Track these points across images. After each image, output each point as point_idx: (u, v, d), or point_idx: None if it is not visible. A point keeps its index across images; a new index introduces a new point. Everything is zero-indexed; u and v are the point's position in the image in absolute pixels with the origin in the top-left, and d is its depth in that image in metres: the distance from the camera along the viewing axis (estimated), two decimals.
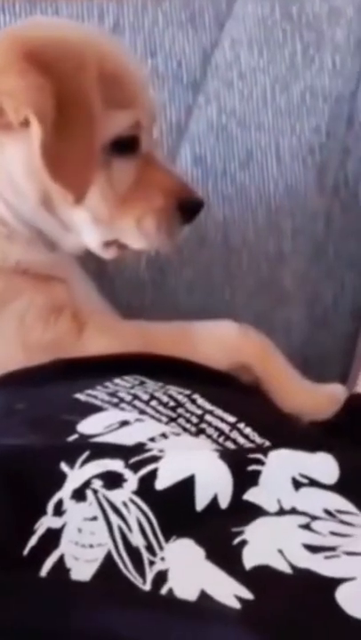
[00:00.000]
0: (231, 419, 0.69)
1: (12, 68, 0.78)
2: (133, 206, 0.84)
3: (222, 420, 0.69)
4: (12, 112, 0.78)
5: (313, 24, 1.11)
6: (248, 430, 0.68)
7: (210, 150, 1.07)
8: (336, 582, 0.51)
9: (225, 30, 1.10)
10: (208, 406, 0.70)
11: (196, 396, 0.71)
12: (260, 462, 0.59)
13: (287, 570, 0.52)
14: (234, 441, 0.67)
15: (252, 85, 1.09)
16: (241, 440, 0.67)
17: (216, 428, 0.68)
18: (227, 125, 1.07)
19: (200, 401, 0.71)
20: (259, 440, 0.68)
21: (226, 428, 0.68)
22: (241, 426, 0.68)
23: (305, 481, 0.59)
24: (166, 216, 0.85)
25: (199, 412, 0.70)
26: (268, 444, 0.67)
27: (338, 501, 0.58)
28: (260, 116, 1.08)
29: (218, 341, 0.86)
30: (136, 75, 0.85)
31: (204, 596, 0.51)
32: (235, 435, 0.68)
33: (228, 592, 0.51)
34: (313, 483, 0.59)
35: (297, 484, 0.59)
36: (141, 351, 0.82)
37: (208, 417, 0.69)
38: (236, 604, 0.50)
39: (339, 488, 0.59)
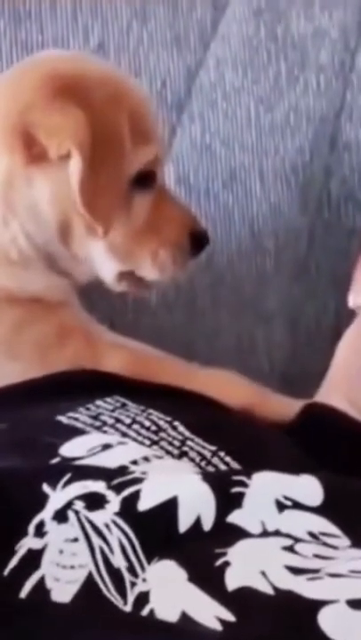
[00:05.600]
0: (212, 447, 0.69)
1: (48, 102, 0.80)
2: (149, 239, 0.86)
3: (203, 447, 0.69)
4: (54, 146, 0.80)
5: (298, 45, 1.12)
6: (228, 459, 0.68)
7: (193, 170, 1.07)
8: (319, 604, 0.51)
9: (210, 50, 1.10)
10: (188, 434, 0.70)
11: (176, 423, 0.71)
12: (244, 484, 0.59)
13: (270, 591, 0.52)
14: (215, 467, 0.67)
15: (237, 105, 1.09)
16: (222, 467, 0.67)
17: (198, 453, 0.68)
18: (210, 145, 1.07)
19: (181, 428, 0.71)
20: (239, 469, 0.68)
21: (208, 453, 0.68)
22: (222, 454, 0.68)
23: (289, 503, 0.59)
24: (180, 248, 0.87)
25: (181, 437, 0.70)
26: None
27: (322, 524, 0.58)
28: (244, 135, 1.08)
29: (222, 384, 0.86)
30: (152, 109, 0.88)
31: (185, 617, 0.50)
32: (216, 461, 0.68)
33: (210, 614, 0.51)
34: (297, 505, 0.59)
35: (281, 507, 0.59)
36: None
37: (189, 442, 0.69)
38: (218, 626, 0.50)
39: (323, 510, 0.59)
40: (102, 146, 0.80)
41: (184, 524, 0.56)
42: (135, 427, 0.70)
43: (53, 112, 0.79)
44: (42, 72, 0.83)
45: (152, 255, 0.86)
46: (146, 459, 0.64)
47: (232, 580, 0.52)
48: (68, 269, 0.88)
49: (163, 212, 0.87)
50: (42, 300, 0.86)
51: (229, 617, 0.50)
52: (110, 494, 0.57)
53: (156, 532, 0.55)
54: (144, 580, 0.53)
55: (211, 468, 0.67)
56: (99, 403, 0.74)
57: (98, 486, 0.58)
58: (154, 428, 0.70)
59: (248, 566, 0.53)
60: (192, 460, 0.67)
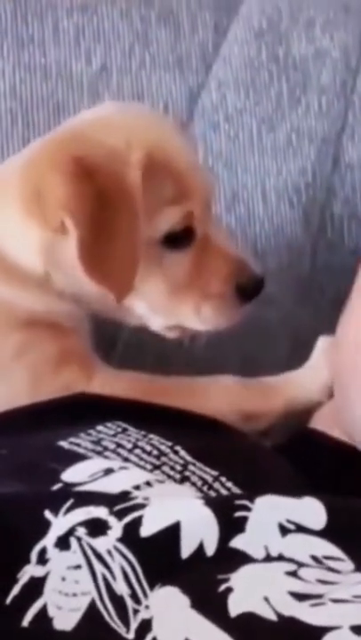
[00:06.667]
0: (214, 472, 0.69)
1: (56, 175, 0.80)
2: (190, 294, 0.86)
3: (205, 472, 0.69)
4: (52, 217, 0.81)
5: (299, 66, 1.12)
6: (230, 484, 0.68)
7: None
8: (322, 631, 0.51)
9: (212, 72, 1.11)
10: (190, 459, 0.70)
11: (178, 448, 0.71)
12: (247, 508, 0.59)
13: (272, 617, 0.52)
14: (217, 492, 0.67)
15: (239, 127, 1.09)
16: (224, 492, 0.67)
17: (200, 477, 0.68)
18: (213, 167, 1.08)
19: (182, 453, 0.70)
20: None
21: (209, 478, 0.68)
22: (223, 479, 0.68)
23: (292, 527, 0.58)
24: (224, 301, 0.86)
25: (182, 461, 0.70)
26: None
27: (325, 547, 0.57)
28: (247, 157, 1.09)
29: (222, 393, 0.88)
30: (186, 162, 0.86)
31: None
32: (217, 486, 0.67)
33: None
34: (300, 528, 0.59)
35: (284, 530, 0.58)
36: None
37: (191, 467, 0.69)
38: None
39: (326, 533, 0.58)
40: (109, 214, 0.79)
41: (187, 549, 0.56)
42: (137, 451, 0.70)
43: (56, 184, 0.80)
44: (56, 144, 0.84)
45: (194, 310, 0.86)
46: (148, 483, 0.64)
47: (235, 606, 0.52)
48: (117, 318, 0.89)
49: (205, 265, 0.86)
50: (57, 324, 0.87)
51: None
52: (112, 520, 0.57)
53: (159, 558, 0.55)
54: (147, 606, 0.52)
55: (212, 493, 0.66)
56: (100, 428, 0.73)
57: (100, 512, 0.58)
58: (155, 452, 0.70)
59: (251, 592, 0.53)
60: (194, 484, 0.67)
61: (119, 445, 0.70)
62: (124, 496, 0.61)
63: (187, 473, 0.68)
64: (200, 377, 0.91)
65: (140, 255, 0.82)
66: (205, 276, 0.86)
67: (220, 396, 0.88)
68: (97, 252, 0.80)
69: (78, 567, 0.54)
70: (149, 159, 0.82)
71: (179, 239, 0.84)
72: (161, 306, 0.86)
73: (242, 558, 0.56)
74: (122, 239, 0.80)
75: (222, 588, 0.53)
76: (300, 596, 0.53)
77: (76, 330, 0.89)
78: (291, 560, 0.56)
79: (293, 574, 0.55)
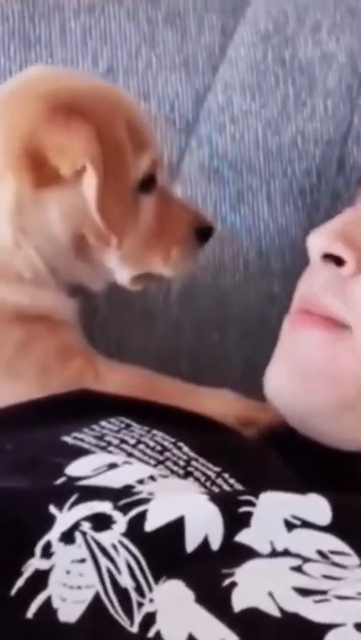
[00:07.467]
0: (216, 468, 0.69)
1: (51, 122, 0.80)
2: (158, 241, 0.88)
3: (208, 468, 0.69)
4: (68, 164, 0.80)
5: (305, 69, 1.12)
6: (232, 481, 0.68)
7: (201, 193, 1.07)
8: (325, 628, 0.51)
9: (218, 74, 1.11)
10: (193, 455, 0.70)
11: (181, 444, 0.71)
12: (251, 504, 0.59)
13: (276, 613, 0.52)
14: (219, 487, 0.67)
15: (245, 129, 1.09)
16: (226, 488, 0.67)
17: (203, 473, 0.68)
18: (218, 168, 1.08)
19: (185, 449, 0.71)
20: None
21: (212, 474, 0.68)
22: (226, 476, 0.68)
23: (298, 522, 0.59)
24: (188, 244, 0.90)
25: (185, 457, 0.70)
26: None
27: (331, 542, 0.57)
28: (252, 158, 1.09)
29: (218, 397, 0.89)
30: (144, 113, 0.90)
31: (191, 639, 0.50)
32: (220, 482, 0.68)
33: (216, 636, 0.50)
34: (306, 524, 0.59)
35: (290, 526, 0.58)
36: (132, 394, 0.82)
37: (194, 463, 0.69)
38: None
39: (332, 528, 0.58)
40: (109, 158, 0.81)
41: (191, 543, 0.56)
42: (140, 447, 0.70)
43: (59, 130, 0.80)
44: (36, 93, 0.83)
45: (164, 256, 0.88)
46: (152, 478, 0.64)
47: (239, 601, 0.52)
48: (82, 279, 0.89)
49: (167, 213, 0.89)
50: (48, 318, 0.87)
51: (235, 639, 0.50)
52: (117, 515, 0.57)
53: (164, 552, 0.55)
54: (151, 600, 0.53)
55: (215, 489, 0.67)
56: (103, 423, 0.74)
57: (104, 507, 0.58)
58: (159, 448, 0.70)
59: (255, 587, 0.53)
60: (197, 479, 0.67)
61: (123, 441, 0.71)
62: (128, 490, 0.61)
63: (190, 468, 0.68)
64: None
65: (131, 199, 0.85)
66: (170, 224, 0.89)
67: (213, 400, 0.88)
68: (106, 197, 0.81)
69: (83, 561, 0.55)
70: (125, 104, 0.85)
71: (147, 185, 0.87)
72: (133, 253, 0.87)
73: (247, 553, 0.56)
74: (119, 182, 0.82)
75: (227, 582, 0.53)
76: (305, 592, 0.53)
77: (67, 323, 0.89)
78: (296, 555, 0.56)
79: (298, 569, 0.55)
